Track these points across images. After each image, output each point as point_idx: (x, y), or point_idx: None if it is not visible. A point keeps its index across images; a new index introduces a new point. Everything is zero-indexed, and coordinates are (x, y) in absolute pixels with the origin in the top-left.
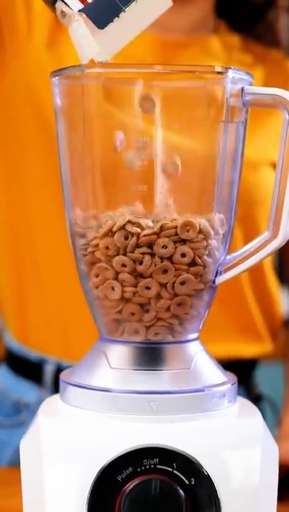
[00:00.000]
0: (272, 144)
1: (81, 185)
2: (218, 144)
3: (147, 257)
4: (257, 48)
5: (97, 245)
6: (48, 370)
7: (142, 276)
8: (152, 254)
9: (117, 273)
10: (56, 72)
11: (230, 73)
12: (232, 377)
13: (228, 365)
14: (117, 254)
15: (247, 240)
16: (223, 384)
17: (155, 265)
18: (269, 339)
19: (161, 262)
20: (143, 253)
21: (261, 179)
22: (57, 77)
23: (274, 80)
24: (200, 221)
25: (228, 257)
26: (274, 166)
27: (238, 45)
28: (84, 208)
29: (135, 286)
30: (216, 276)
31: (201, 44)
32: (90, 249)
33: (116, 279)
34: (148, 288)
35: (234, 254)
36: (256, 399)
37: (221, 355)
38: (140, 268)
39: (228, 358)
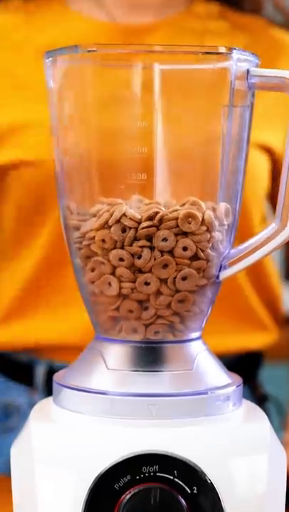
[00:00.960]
0: (258, 124)
1: (76, 174)
2: (221, 129)
3: (146, 251)
4: (236, 16)
5: (92, 238)
6: (39, 372)
7: (140, 271)
8: (152, 248)
9: (114, 267)
10: (49, 53)
11: (235, 54)
12: (237, 379)
13: (231, 361)
14: (114, 248)
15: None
16: (227, 386)
17: (155, 259)
18: (273, 327)
19: (161, 255)
20: (142, 246)
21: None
22: (50, 59)
23: (258, 49)
24: (203, 211)
25: (232, 250)
26: (260, 147)
27: (216, 14)
28: (79, 199)
29: (133, 281)
30: (219, 271)
31: (173, 23)
32: (85, 242)
33: (113, 273)
34: (147, 283)
35: (239, 248)
36: (261, 399)
37: (220, 349)
38: (139, 262)
39: (229, 351)
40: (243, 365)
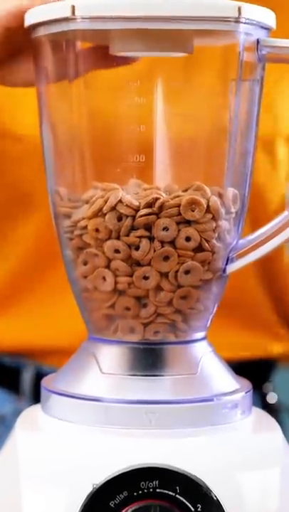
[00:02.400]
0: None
1: (67, 156)
2: (229, 106)
3: (145, 241)
4: None
5: (85, 227)
6: (26, 376)
7: (138, 264)
8: (151, 238)
9: (109, 260)
10: (36, 26)
11: (243, 19)
12: (246, 384)
13: (240, 366)
14: (109, 238)
15: None
16: (235, 392)
17: (154, 251)
18: (286, 332)
19: (162, 247)
20: (140, 236)
21: None
22: (38, 34)
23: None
24: (208, 197)
25: (240, 241)
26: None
27: None
28: (70, 184)
29: (130, 275)
30: (226, 264)
31: None
32: (76, 232)
33: (108, 267)
34: (146, 278)
35: (248, 238)
36: (273, 408)
37: (227, 355)
38: (136, 254)
39: (237, 358)
40: (253, 370)
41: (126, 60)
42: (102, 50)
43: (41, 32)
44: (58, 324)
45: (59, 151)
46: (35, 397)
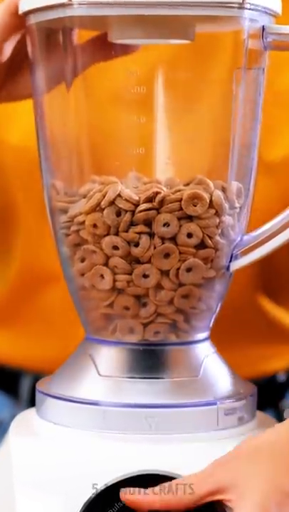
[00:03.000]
0: None
1: (63, 148)
2: (233, 95)
3: (145, 238)
4: None
5: (82, 223)
6: (25, 381)
7: (138, 261)
8: (151, 234)
9: (108, 257)
10: (31, 13)
11: (248, 5)
12: (250, 388)
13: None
14: (108, 234)
15: None
16: (239, 396)
17: (154, 248)
18: None
19: (162, 243)
20: (139, 232)
21: None
22: (33, 21)
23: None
24: (211, 192)
25: (245, 237)
26: None
27: None
28: (66, 177)
29: (130, 273)
30: (230, 261)
31: None
32: (73, 228)
33: (106, 264)
34: (146, 276)
35: (253, 234)
36: None
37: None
38: (136, 251)
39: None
40: (267, 385)
41: (125, 50)
42: (100, 41)
43: (36, 19)
44: (55, 325)
45: (55, 143)
46: (33, 402)
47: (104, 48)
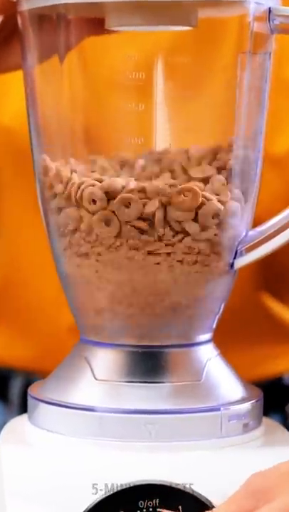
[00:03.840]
0: None
1: (56, 136)
2: (237, 82)
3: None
4: None
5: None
6: (15, 383)
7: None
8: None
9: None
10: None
11: None
12: (256, 392)
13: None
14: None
15: None
16: (244, 401)
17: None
18: None
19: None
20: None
21: None
22: (26, 7)
23: None
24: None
25: (250, 232)
26: None
27: None
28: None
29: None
30: (234, 258)
31: None
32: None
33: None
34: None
35: (258, 229)
36: None
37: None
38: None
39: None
40: (272, 387)
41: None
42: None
43: (29, 6)
44: (47, 325)
45: (47, 130)
46: (24, 407)
47: (98, 24)
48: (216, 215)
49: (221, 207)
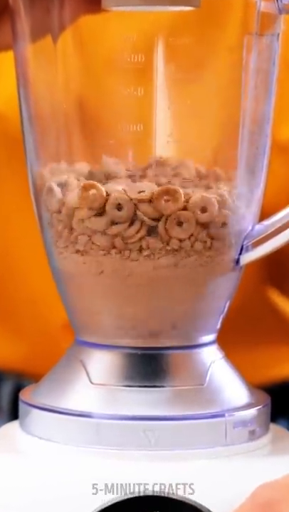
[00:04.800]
0: None
1: (49, 122)
2: (243, 64)
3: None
4: None
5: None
6: (5, 385)
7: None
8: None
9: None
10: None
11: None
12: (263, 398)
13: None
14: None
15: None
16: (250, 406)
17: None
18: None
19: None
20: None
21: None
22: None
23: None
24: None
25: (257, 226)
26: None
27: None
28: (52, 155)
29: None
30: (240, 254)
31: None
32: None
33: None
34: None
35: (266, 223)
36: None
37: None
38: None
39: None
40: (279, 391)
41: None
42: None
43: None
44: (41, 325)
45: (40, 115)
46: (15, 413)
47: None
48: (220, 208)
49: (226, 199)
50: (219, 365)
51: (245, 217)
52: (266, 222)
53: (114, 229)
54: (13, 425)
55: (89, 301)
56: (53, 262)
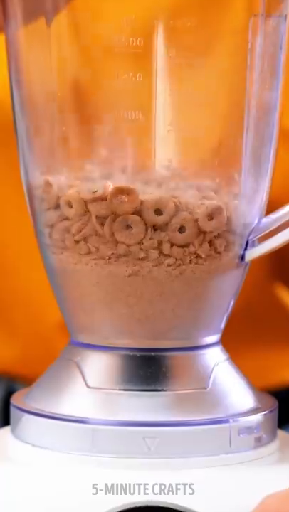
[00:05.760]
0: None
1: (42, 108)
2: (249, 48)
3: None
4: None
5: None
6: None
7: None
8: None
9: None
10: None
11: None
12: (270, 402)
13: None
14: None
15: None
16: (256, 411)
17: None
18: None
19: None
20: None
21: None
22: None
23: None
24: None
25: (263, 220)
26: None
27: None
28: (46, 147)
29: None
30: (245, 249)
31: None
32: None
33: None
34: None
35: (273, 216)
36: None
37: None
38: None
39: (264, 385)
40: (287, 396)
41: None
42: None
43: None
44: (33, 326)
45: (33, 101)
46: (6, 419)
47: None
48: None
49: (232, 191)
50: (223, 368)
51: (250, 210)
52: (273, 216)
53: (61, 224)
54: (4, 431)
55: (84, 301)
56: (46, 259)
